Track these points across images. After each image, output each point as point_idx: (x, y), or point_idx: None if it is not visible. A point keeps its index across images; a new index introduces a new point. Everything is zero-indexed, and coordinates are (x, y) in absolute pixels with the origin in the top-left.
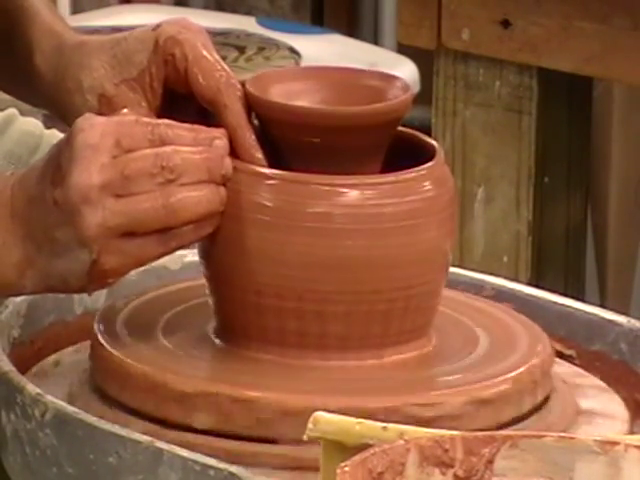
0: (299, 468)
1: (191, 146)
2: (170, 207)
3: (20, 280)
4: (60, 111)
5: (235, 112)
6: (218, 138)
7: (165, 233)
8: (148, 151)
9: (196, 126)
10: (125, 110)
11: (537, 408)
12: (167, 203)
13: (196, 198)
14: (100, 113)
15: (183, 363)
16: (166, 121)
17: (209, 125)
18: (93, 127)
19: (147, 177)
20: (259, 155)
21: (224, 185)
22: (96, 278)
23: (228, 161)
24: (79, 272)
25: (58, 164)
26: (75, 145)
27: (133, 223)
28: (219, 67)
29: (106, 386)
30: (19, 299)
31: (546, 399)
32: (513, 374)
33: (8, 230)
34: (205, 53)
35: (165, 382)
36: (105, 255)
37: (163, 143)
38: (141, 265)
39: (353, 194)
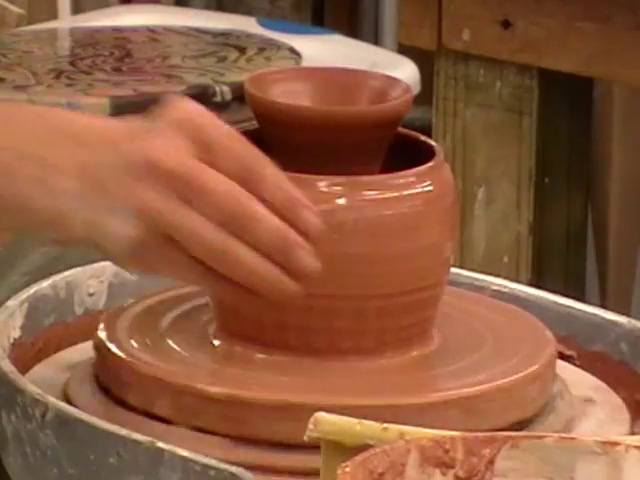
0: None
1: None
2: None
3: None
4: None
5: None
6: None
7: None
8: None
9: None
10: None
11: (540, 411)
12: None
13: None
14: None
15: (183, 363)
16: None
17: None
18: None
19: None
20: None
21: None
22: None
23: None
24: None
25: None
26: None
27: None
28: None
29: (111, 386)
30: (19, 300)
31: (549, 402)
32: (517, 375)
33: None
34: None
35: (168, 381)
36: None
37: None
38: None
39: (353, 194)
